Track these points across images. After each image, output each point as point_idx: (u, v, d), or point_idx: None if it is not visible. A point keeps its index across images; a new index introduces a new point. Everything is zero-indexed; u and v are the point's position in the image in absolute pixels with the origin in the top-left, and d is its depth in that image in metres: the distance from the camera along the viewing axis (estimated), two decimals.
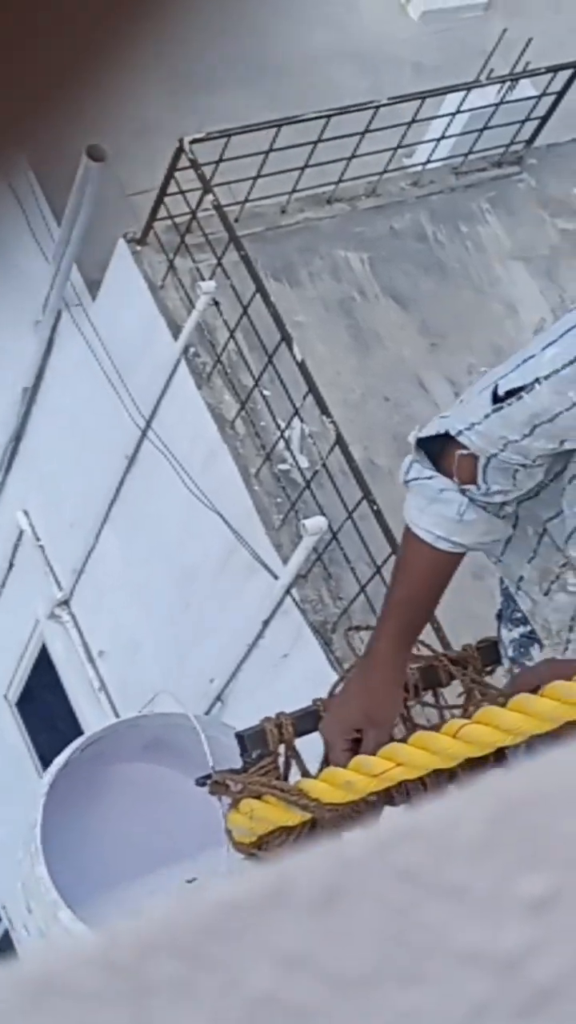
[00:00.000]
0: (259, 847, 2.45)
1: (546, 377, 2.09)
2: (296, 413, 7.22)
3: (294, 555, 6.97)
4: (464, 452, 2.22)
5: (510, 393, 2.15)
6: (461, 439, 2.21)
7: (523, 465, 2.21)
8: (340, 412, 7.31)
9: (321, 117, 7.89)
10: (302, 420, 7.30)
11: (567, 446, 2.15)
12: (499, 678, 2.43)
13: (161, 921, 0.46)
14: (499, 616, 2.55)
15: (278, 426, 7.42)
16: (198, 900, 0.46)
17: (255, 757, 2.39)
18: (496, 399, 2.16)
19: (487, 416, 2.17)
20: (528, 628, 2.43)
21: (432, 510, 2.26)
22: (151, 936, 0.45)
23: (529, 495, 2.31)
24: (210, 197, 7.59)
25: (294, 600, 7.16)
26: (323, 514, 6.94)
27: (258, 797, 2.35)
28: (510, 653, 2.47)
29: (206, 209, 7.65)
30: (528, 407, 2.12)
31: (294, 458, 7.43)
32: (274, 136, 7.76)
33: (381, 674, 2.36)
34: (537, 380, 2.11)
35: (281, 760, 2.38)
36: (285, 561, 7.10)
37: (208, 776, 2.45)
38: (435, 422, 2.30)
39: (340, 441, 6.96)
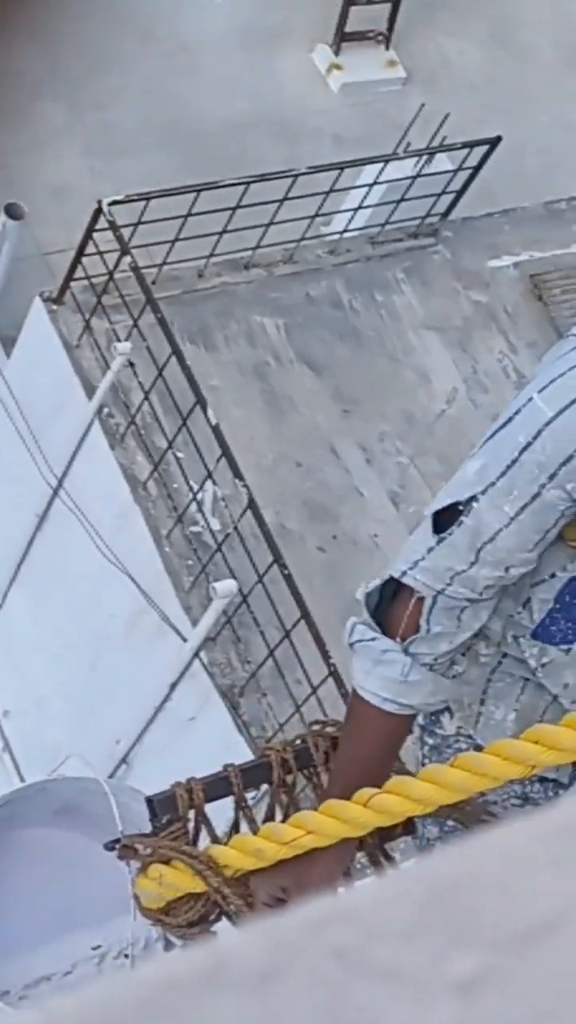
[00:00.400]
0: (167, 913, 2.44)
1: (482, 493, 2.06)
2: (209, 476, 7.23)
3: (203, 618, 6.97)
4: (416, 595, 2.15)
5: (441, 512, 2.10)
6: (406, 580, 2.14)
7: (470, 600, 2.15)
8: (253, 476, 7.34)
9: (240, 184, 7.97)
10: (215, 483, 7.32)
11: (512, 573, 2.12)
12: (410, 745, 2.44)
13: (97, 1002, 0.47)
14: None
15: (191, 488, 7.43)
16: (134, 980, 0.47)
17: (165, 822, 2.38)
18: (437, 528, 2.12)
19: (430, 550, 2.12)
20: None
21: (377, 672, 2.22)
22: (87, 1017, 0.46)
23: None
24: (128, 259, 7.62)
25: (202, 663, 7.15)
26: (234, 577, 6.95)
27: (167, 862, 2.35)
28: (420, 721, 2.48)
29: (123, 271, 7.68)
30: (468, 530, 2.08)
31: (206, 521, 7.44)
32: (193, 201, 7.81)
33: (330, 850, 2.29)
34: (474, 498, 2.07)
35: (191, 825, 2.38)
36: (194, 624, 7.09)
37: (117, 840, 2.43)
38: (378, 578, 2.24)
39: (252, 505, 6.98)
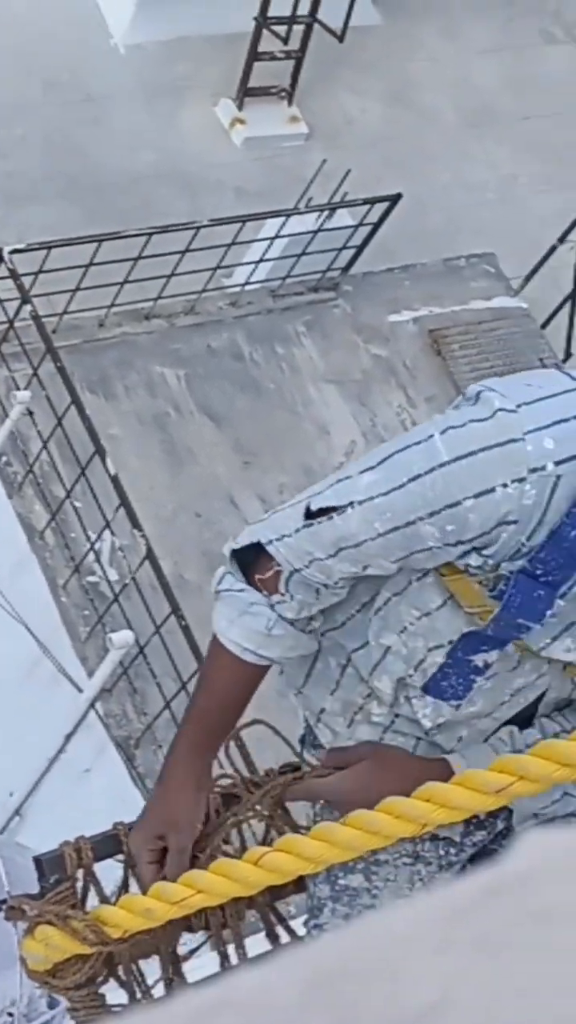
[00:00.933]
0: (54, 975, 2.40)
1: (360, 502, 2.10)
2: (107, 526, 7.20)
3: (100, 668, 6.91)
4: (276, 564, 2.23)
5: (322, 511, 2.15)
6: (269, 549, 2.21)
7: (325, 585, 2.22)
8: (151, 526, 7.31)
9: (142, 234, 7.98)
10: (113, 533, 7.28)
11: (370, 572, 2.17)
12: (301, 805, 2.44)
13: None
14: (302, 740, 2.56)
15: (88, 538, 7.39)
16: None
17: (53, 882, 2.35)
18: (308, 515, 2.17)
19: (297, 531, 2.18)
20: None
21: (241, 622, 2.27)
22: None
23: (335, 626, 2.33)
24: (28, 307, 7.60)
25: (98, 714, 7.09)
26: (131, 628, 6.91)
27: (54, 924, 2.31)
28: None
29: (24, 319, 7.65)
30: (336, 528, 2.13)
31: (103, 571, 7.40)
32: (95, 250, 7.81)
33: (178, 779, 2.36)
34: (351, 504, 2.11)
35: (80, 885, 2.34)
36: (90, 674, 7.03)
37: (3, 901, 2.39)
38: (247, 531, 2.30)
39: (150, 555, 6.95)
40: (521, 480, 1.95)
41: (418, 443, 2.04)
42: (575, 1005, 0.50)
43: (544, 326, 9.82)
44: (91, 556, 7.37)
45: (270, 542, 2.21)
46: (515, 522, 1.97)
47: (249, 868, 2.13)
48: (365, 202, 8.78)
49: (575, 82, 11.78)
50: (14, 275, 7.65)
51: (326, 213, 8.77)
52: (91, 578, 7.45)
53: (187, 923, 2.40)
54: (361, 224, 8.86)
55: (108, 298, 8.15)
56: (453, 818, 2.05)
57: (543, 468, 1.94)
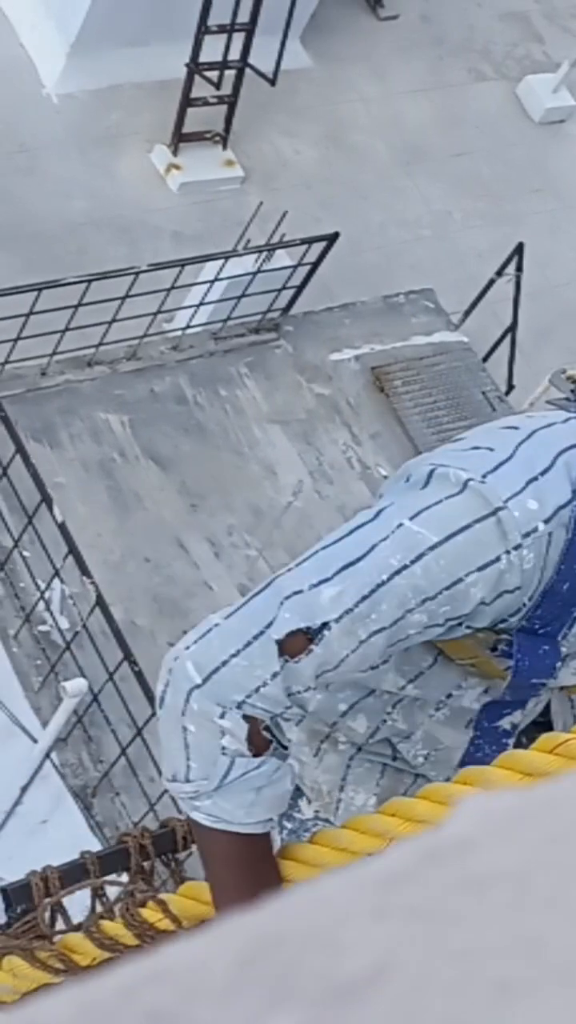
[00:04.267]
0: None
1: (337, 620, 1.92)
2: (56, 574, 7.17)
3: (54, 718, 6.86)
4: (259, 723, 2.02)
5: (291, 635, 1.93)
6: (245, 711, 1.98)
7: (300, 714, 2.07)
8: (101, 573, 7.28)
9: (81, 282, 7.99)
10: (62, 581, 7.25)
11: (332, 690, 2.06)
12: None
13: None
14: None
15: (38, 587, 7.35)
16: None
17: (19, 912, 2.33)
18: (282, 651, 1.94)
19: (274, 675, 1.95)
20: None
21: (265, 796, 2.01)
22: None
23: None
24: None
25: (53, 764, 7.03)
26: (84, 675, 6.86)
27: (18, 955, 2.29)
28: None
29: None
30: (317, 659, 1.94)
31: (54, 619, 7.35)
32: (34, 300, 7.81)
33: None
34: (326, 625, 1.93)
35: (47, 915, 2.32)
36: (44, 724, 6.97)
37: None
38: (201, 701, 1.98)
39: (101, 602, 6.92)
40: (518, 547, 1.91)
41: (385, 538, 1.92)
42: (511, 969, 0.50)
43: (486, 359, 9.88)
44: (41, 605, 7.33)
45: (241, 704, 1.95)
46: (517, 588, 1.94)
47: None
48: (303, 242, 8.82)
49: (505, 118, 11.92)
50: None
51: (264, 255, 8.80)
52: (42, 627, 7.41)
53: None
54: (299, 264, 8.90)
55: (50, 346, 8.14)
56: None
57: (535, 530, 1.92)
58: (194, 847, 2.39)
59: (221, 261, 8.66)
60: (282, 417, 8.80)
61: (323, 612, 1.91)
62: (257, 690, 1.93)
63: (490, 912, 0.52)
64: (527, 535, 1.91)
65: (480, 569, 1.91)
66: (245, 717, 1.95)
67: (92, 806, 6.96)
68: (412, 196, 11.16)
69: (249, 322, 9.03)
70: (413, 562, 1.91)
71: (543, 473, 1.95)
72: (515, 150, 11.68)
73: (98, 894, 2.33)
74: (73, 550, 7.02)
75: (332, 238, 8.84)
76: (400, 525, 1.92)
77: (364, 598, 1.91)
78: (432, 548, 1.91)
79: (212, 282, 8.73)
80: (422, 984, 0.49)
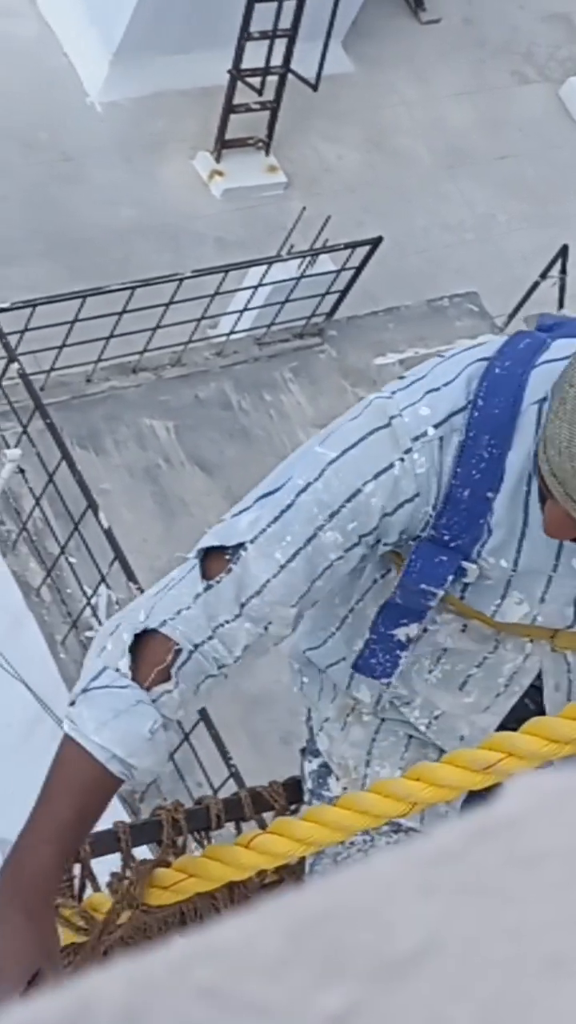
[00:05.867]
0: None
1: (252, 540, 1.96)
2: (103, 580, 7.19)
3: None
4: (173, 646, 1.98)
5: (208, 559, 1.99)
6: (166, 631, 1.98)
7: (220, 666, 2.00)
8: (147, 578, 7.30)
9: (126, 289, 8.02)
10: (109, 587, 7.27)
11: (271, 631, 2.00)
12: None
13: None
14: (303, 751, 2.55)
15: (84, 593, 7.38)
16: None
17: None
18: (204, 575, 1.99)
19: (196, 597, 1.98)
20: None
21: (117, 724, 1.97)
22: None
23: (316, 645, 2.34)
24: (15, 366, 7.62)
25: None
26: None
27: None
28: (309, 785, 2.46)
29: (11, 378, 7.67)
30: (236, 579, 1.97)
31: (101, 625, 7.38)
32: (79, 307, 7.85)
33: (49, 906, 2.04)
34: (242, 545, 1.97)
35: (76, 880, 2.34)
36: None
37: None
38: (126, 620, 2.02)
39: None
40: (408, 451, 1.96)
41: (294, 462, 2.02)
42: (563, 945, 0.50)
43: None
44: (88, 611, 7.36)
45: (164, 623, 1.97)
46: (416, 495, 1.97)
47: (241, 851, 2.14)
48: (346, 247, 8.83)
49: (548, 120, 11.88)
50: (0, 334, 7.68)
51: (308, 259, 8.81)
52: (89, 633, 7.43)
53: (181, 918, 2.39)
54: (343, 269, 8.91)
55: (94, 353, 8.18)
56: (442, 796, 2.06)
57: (424, 434, 1.96)
58: (228, 825, 2.41)
59: (265, 266, 8.68)
60: (326, 422, 8.75)
61: (239, 534, 1.98)
62: (179, 612, 1.98)
63: (540, 889, 0.52)
64: (416, 439, 1.96)
65: (376, 477, 1.96)
66: (141, 636, 1.98)
67: (139, 811, 6.97)
68: (455, 199, 11.14)
69: (293, 327, 9.04)
70: (316, 479, 1.97)
71: (446, 385, 1.99)
72: (559, 152, 11.63)
73: (128, 863, 2.33)
74: (119, 556, 7.04)
75: (376, 242, 8.84)
76: (310, 447, 2.02)
77: (275, 519, 1.97)
78: (331, 463, 1.98)
79: (256, 287, 8.75)
80: (472, 961, 0.49)
